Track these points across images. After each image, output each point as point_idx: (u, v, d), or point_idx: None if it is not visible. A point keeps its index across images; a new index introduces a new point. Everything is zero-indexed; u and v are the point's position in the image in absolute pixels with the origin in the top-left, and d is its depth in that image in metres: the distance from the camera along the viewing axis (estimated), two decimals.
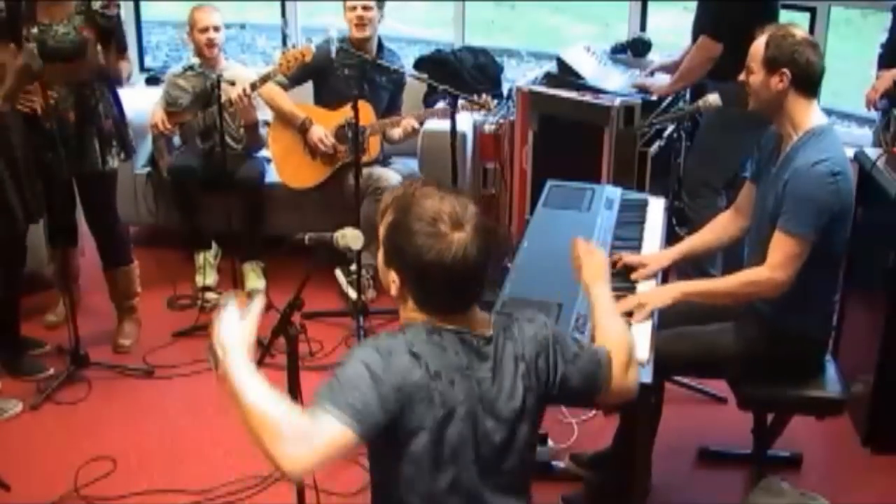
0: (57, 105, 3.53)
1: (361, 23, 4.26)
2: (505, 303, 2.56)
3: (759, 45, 2.69)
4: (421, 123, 4.34)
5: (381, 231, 1.83)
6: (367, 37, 4.28)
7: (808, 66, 2.65)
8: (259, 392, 1.72)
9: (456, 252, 1.71)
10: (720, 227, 3.05)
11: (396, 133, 4.38)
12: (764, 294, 2.68)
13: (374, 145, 4.36)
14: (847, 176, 2.65)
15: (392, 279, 1.80)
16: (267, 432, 1.70)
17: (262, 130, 4.53)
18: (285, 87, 4.37)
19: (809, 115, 2.69)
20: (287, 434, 1.66)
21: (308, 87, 4.48)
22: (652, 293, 2.73)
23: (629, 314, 2.64)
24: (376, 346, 1.74)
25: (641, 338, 2.54)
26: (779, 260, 2.62)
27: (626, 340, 2.06)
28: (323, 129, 4.33)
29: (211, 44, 4.44)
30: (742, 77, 2.76)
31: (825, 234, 2.61)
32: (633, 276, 2.87)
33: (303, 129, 4.34)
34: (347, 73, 4.33)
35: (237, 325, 1.79)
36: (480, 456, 1.80)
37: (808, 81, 2.68)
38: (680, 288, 2.74)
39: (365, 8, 4.25)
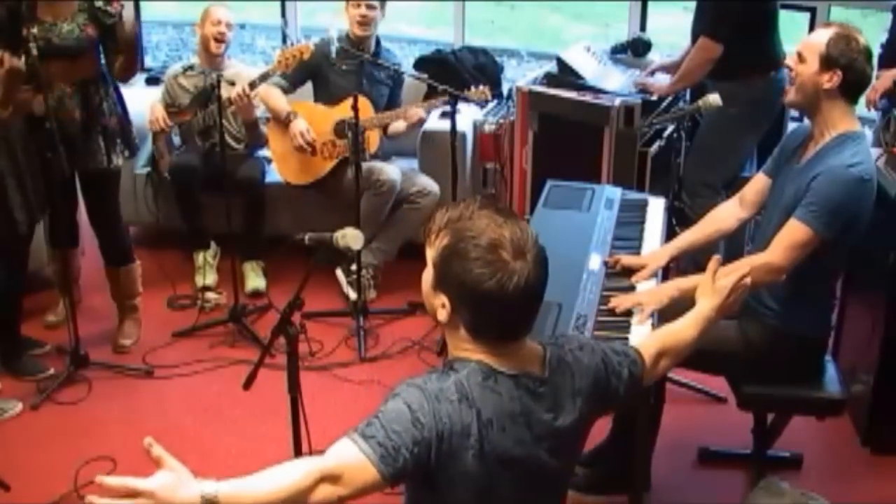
0: (62, 103, 3.53)
1: (364, 21, 4.26)
2: None
3: (819, 38, 2.65)
4: (428, 112, 4.32)
5: (433, 254, 1.71)
6: (368, 35, 4.29)
7: (861, 76, 2.64)
8: (262, 484, 1.55)
9: (518, 282, 1.63)
10: (719, 219, 3.04)
11: (402, 125, 4.38)
12: (762, 280, 2.64)
13: (373, 140, 4.36)
14: (873, 186, 2.65)
15: (442, 303, 1.70)
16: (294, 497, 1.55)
17: (263, 128, 4.52)
18: (286, 90, 4.37)
19: (847, 118, 2.68)
20: (306, 483, 1.54)
21: (308, 85, 4.48)
22: (649, 293, 2.73)
23: (628, 314, 2.64)
24: (424, 387, 1.65)
25: (641, 337, 2.54)
26: (782, 245, 2.61)
27: (679, 339, 2.06)
28: (305, 123, 4.33)
29: (220, 38, 4.43)
30: (788, 62, 2.72)
31: (837, 236, 2.61)
32: (634, 278, 2.87)
33: (286, 123, 4.34)
34: (346, 69, 4.33)
35: (167, 482, 1.56)
36: (536, 494, 1.75)
37: (856, 89, 2.67)
38: (675, 285, 2.73)
39: (369, 7, 4.26)
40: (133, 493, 1.49)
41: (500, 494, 1.70)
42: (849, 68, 2.61)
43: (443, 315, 1.71)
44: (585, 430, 1.87)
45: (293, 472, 1.55)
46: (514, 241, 1.65)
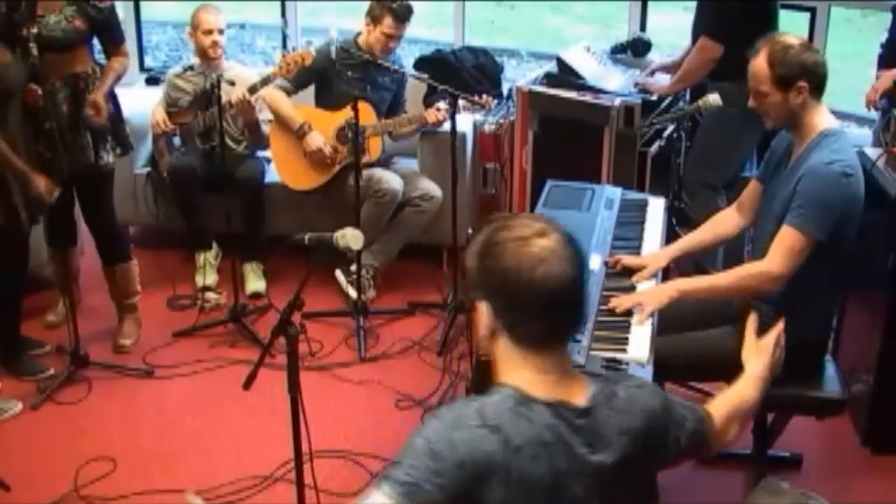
0: (51, 97, 3.51)
1: (390, 50, 4.28)
2: None
3: (761, 66, 2.64)
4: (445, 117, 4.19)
5: (472, 272, 1.68)
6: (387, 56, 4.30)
7: (819, 70, 2.64)
8: None
9: (539, 256, 1.59)
10: (719, 225, 3.05)
11: (410, 129, 4.39)
12: (762, 287, 2.66)
13: (374, 146, 4.36)
14: (859, 178, 2.65)
15: (483, 315, 1.66)
16: None
17: (265, 128, 4.52)
18: (288, 92, 4.37)
19: (823, 117, 2.69)
20: None
21: (309, 89, 4.47)
22: (649, 293, 2.73)
23: (628, 314, 2.64)
24: (443, 417, 1.61)
25: (641, 339, 2.54)
26: (779, 253, 2.61)
27: (742, 400, 2.01)
28: (321, 136, 4.32)
29: (215, 46, 4.44)
30: (751, 104, 2.72)
31: (831, 235, 2.61)
32: (634, 278, 2.87)
33: (301, 135, 4.34)
34: (351, 74, 4.33)
35: None
36: None
37: (822, 84, 2.67)
38: (676, 286, 2.73)
39: (400, 38, 4.28)
40: None
41: None
42: (805, 73, 2.61)
43: (484, 327, 1.68)
44: (640, 475, 1.75)
45: None
46: (539, 227, 1.64)
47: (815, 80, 2.63)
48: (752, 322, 2.15)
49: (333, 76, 4.34)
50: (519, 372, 1.66)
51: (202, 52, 4.48)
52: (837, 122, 2.75)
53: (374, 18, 4.25)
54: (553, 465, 1.61)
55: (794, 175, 2.66)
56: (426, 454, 1.56)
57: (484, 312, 1.67)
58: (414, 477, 1.54)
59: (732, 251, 3.81)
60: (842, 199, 2.60)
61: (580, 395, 1.67)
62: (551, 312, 1.64)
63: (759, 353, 2.11)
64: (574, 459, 1.63)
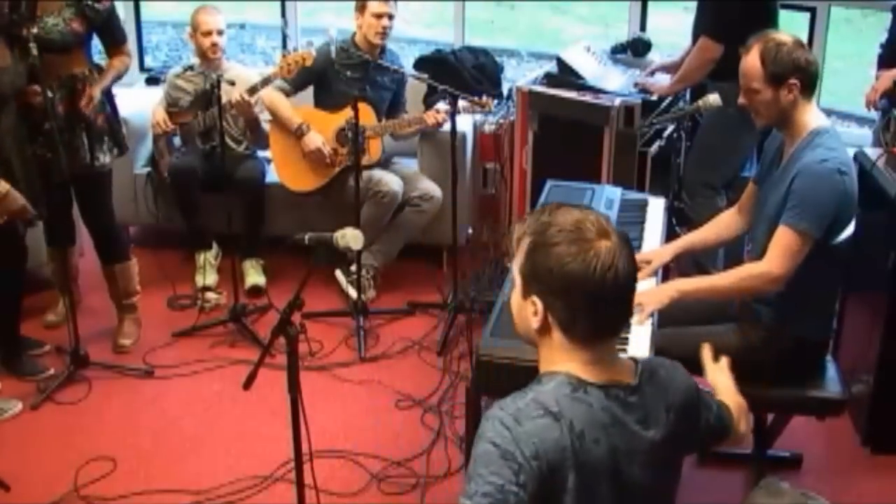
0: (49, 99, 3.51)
1: (384, 32, 4.25)
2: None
3: (752, 63, 2.65)
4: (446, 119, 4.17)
5: (518, 261, 1.67)
6: (384, 44, 4.28)
7: (810, 68, 2.64)
8: None
9: (604, 261, 1.59)
10: (722, 226, 3.06)
11: (410, 130, 4.39)
12: (762, 289, 2.67)
13: (374, 148, 4.36)
14: (852, 176, 2.66)
15: (534, 309, 1.65)
16: None
17: (265, 126, 4.52)
18: (288, 93, 4.37)
19: (813, 116, 2.70)
20: None
21: (308, 89, 4.47)
22: (649, 294, 2.73)
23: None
24: (501, 416, 1.58)
25: (641, 338, 2.54)
26: (777, 253, 2.61)
27: (739, 405, 2.02)
28: (320, 136, 4.32)
29: (214, 48, 4.44)
30: (742, 101, 2.73)
31: (828, 233, 2.61)
32: (639, 273, 2.87)
33: (299, 135, 4.33)
34: (350, 74, 4.32)
35: None
36: None
37: (813, 82, 2.67)
38: (676, 286, 2.73)
39: (391, 17, 4.25)
40: None
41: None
42: (797, 70, 2.61)
43: (536, 321, 1.66)
44: (679, 452, 1.79)
45: None
46: (598, 224, 1.63)
47: (807, 78, 2.63)
48: (706, 349, 2.17)
49: (332, 76, 4.34)
50: (570, 361, 1.67)
51: (202, 54, 4.48)
52: (828, 121, 2.75)
53: (360, 8, 4.26)
54: (612, 447, 1.62)
55: (786, 174, 2.67)
56: (499, 458, 1.53)
57: (534, 307, 1.66)
58: (495, 485, 1.51)
59: (733, 251, 3.82)
60: (837, 196, 2.60)
61: (628, 375, 1.70)
62: (611, 311, 1.66)
63: (722, 371, 2.13)
64: (630, 438, 1.65)
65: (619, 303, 1.66)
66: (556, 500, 1.57)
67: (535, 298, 1.65)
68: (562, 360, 1.67)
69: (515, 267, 1.70)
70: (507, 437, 1.54)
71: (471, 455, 1.58)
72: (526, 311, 1.67)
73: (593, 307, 1.62)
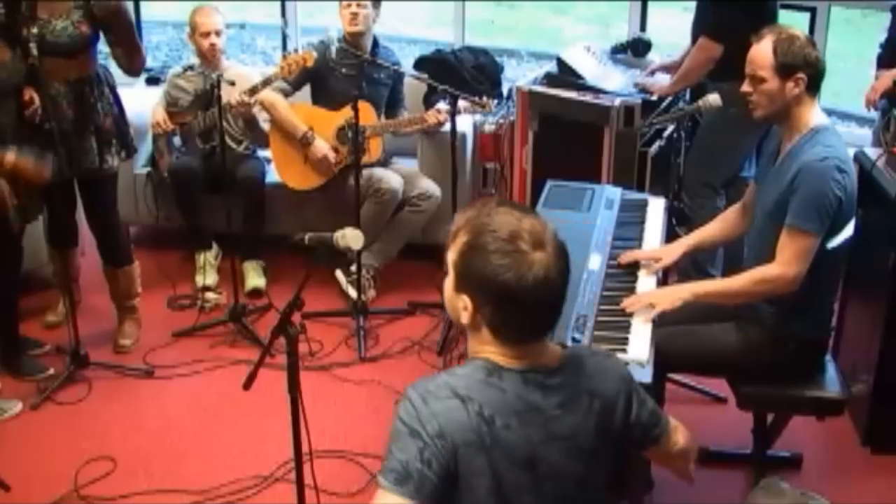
0: (55, 102, 3.50)
1: (355, 19, 4.25)
2: None
3: (764, 52, 2.66)
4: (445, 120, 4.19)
5: (453, 255, 1.69)
6: (361, 31, 4.27)
7: (818, 66, 2.66)
8: None
9: (537, 273, 1.60)
10: (729, 223, 3.07)
11: (410, 129, 4.39)
12: (778, 291, 2.67)
13: (375, 146, 4.36)
14: (852, 174, 2.67)
15: (464, 305, 1.67)
16: None
17: (264, 125, 4.52)
18: (288, 94, 4.36)
19: (814, 113, 2.71)
20: None
21: (306, 88, 4.47)
22: (661, 294, 2.73)
23: (627, 314, 2.64)
24: (412, 395, 1.63)
25: (641, 339, 2.54)
26: (789, 256, 2.61)
27: (678, 424, 1.97)
28: (326, 144, 4.32)
29: (213, 49, 4.44)
30: (746, 87, 2.73)
31: (829, 232, 2.62)
32: (644, 271, 2.89)
33: (304, 143, 4.33)
34: (345, 72, 4.33)
35: None
36: (549, 498, 1.69)
37: (819, 81, 2.68)
38: (690, 289, 2.74)
39: (359, 5, 4.25)
40: None
41: (521, 499, 1.65)
42: (807, 65, 2.63)
43: (465, 317, 1.68)
44: (607, 443, 1.76)
45: None
46: (534, 234, 1.63)
47: (815, 74, 2.65)
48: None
49: (328, 74, 4.34)
50: (494, 353, 1.69)
51: (202, 54, 4.48)
52: (828, 120, 2.76)
53: (339, 4, 4.28)
54: (527, 435, 1.65)
55: (784, 171, 2.67)
56: (406, 435, 1.60)
57: (465, 304, 1.68)
58: (401, 461, 1.58)
59: (733, 251, 3.81)
60: (840, 192, 2.61)
61: (552, 360, 1.72)
62: (540, 316, 1.68)
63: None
64: (548, 424, 1.67)
65: (550, 309, 1.69)
66: (469, 483, 1.61)
67: (466, 298, 1.68)
68: (487, 351, 1.70)
69: (450, 259, 1.71)
70: (412, 415, 1.61)
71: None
72: (457, 304, 1.70)
73: (524, 315, 1.65)
